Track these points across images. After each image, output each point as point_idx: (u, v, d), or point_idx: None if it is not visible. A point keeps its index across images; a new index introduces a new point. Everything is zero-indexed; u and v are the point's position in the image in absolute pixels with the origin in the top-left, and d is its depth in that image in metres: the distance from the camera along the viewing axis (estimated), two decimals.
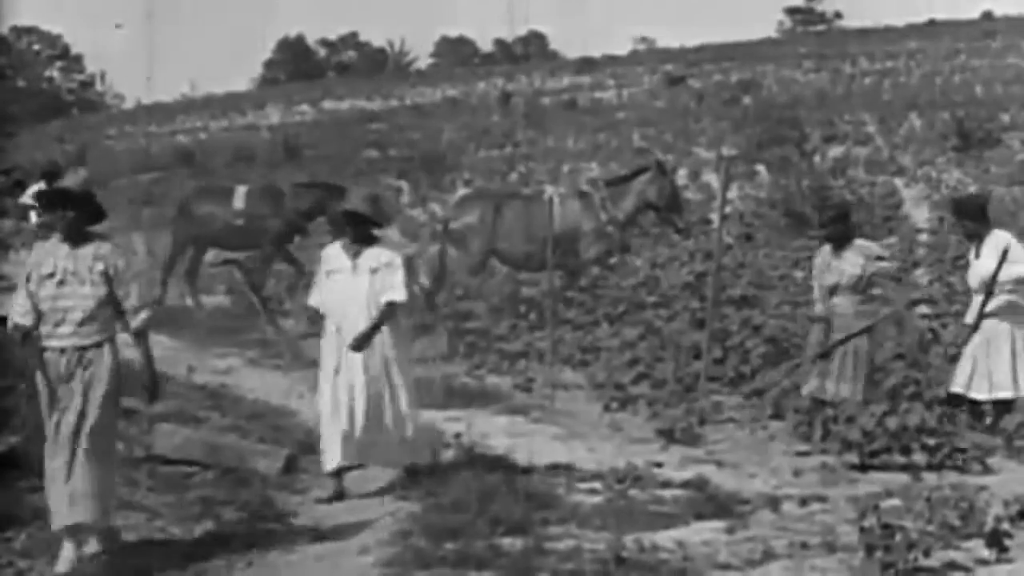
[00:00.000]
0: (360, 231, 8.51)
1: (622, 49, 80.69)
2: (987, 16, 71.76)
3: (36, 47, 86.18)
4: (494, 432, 10.03)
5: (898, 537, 6.60)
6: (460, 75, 67.14)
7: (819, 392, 9.78)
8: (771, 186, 24.08)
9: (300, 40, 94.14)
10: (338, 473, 8.46)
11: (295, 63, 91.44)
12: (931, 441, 9.00)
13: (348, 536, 7.62)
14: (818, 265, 10.03)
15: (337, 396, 8.37)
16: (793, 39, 76.82)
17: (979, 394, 9.67)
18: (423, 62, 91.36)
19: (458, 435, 9.37)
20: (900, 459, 8.99)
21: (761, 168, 27.78)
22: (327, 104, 59.87)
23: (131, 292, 6.98)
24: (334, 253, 8.59)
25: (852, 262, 9.82)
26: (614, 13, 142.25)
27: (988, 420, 9.67)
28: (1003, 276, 9.53)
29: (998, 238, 9.74)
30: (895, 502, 7.67)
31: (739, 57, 57.82)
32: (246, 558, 7.22)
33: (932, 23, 71.03)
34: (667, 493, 8.32)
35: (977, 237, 9.84)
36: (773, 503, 8.14)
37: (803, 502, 8.15)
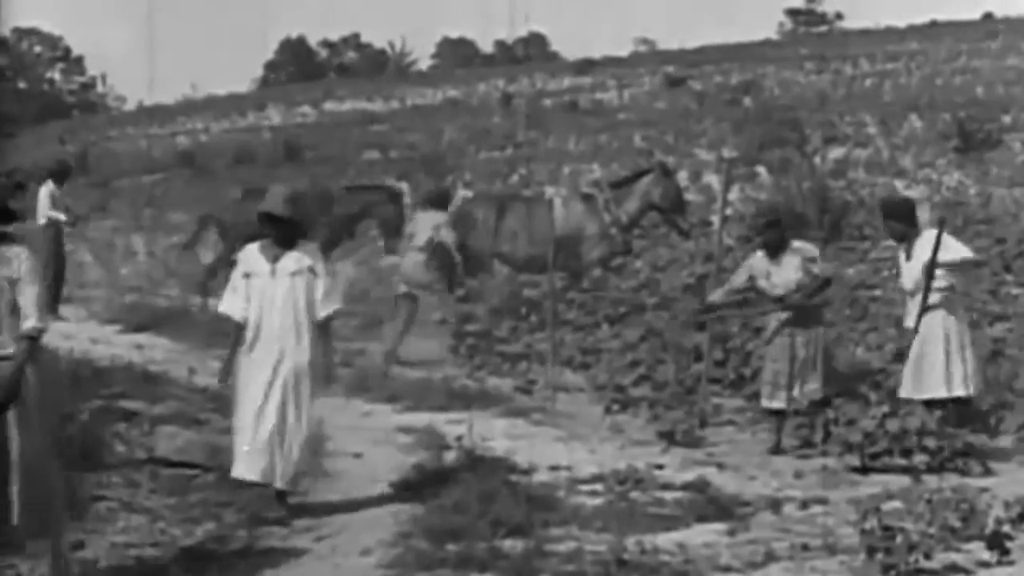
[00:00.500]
0: (280, 233, 8.04)
1: (623, 50, 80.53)
2: (988, 17, 71.74)
3: (37, 49, 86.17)
4: (495, 434, 10.03)
5: (899, 539, 6.61)
6: (461, 76, 67.07)
7: (789, 402, 9.77)
8: (772, 188, 24.05)
9: (301, 41, 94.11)
10: (279, 495, 8.02)
11: (296, 64, 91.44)
12: (932, 443, 8.99)
13: (349, 537, 7.63)
14: (754, 268, 10.01)
15: (252, 407, 7.98)
16: (794, 40, 76.73)
17: (914, 394, 9.44)
18: (424, 63, 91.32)
19: (459, 437, 9.36)
20: (901, 461, 8.99)
21: (762, 170, 27.76)
22: (328, 105, 59.83)
23: (28, 295, 6.57)
24: (252, 256, 8.13)
25: (792, 265, 9.85)
26: (615, 14, 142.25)
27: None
28: (941, 259, 9.27)
29: (930, 238, 9.46)
30: (896, 504, 7.69)
31: (740, 58, 57.73)
32: (247, 559, 7.23)
33: (933, 24, 70.94)
34: (668, 495, 8.33)
35: (905, 239, 9.64)
36: (774, 505, 8.16)
37: (804, 504, 8.17)
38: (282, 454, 7.93)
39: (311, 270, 8.02)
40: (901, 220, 9.70)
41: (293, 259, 8.03)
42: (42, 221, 16.86)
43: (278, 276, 7.99)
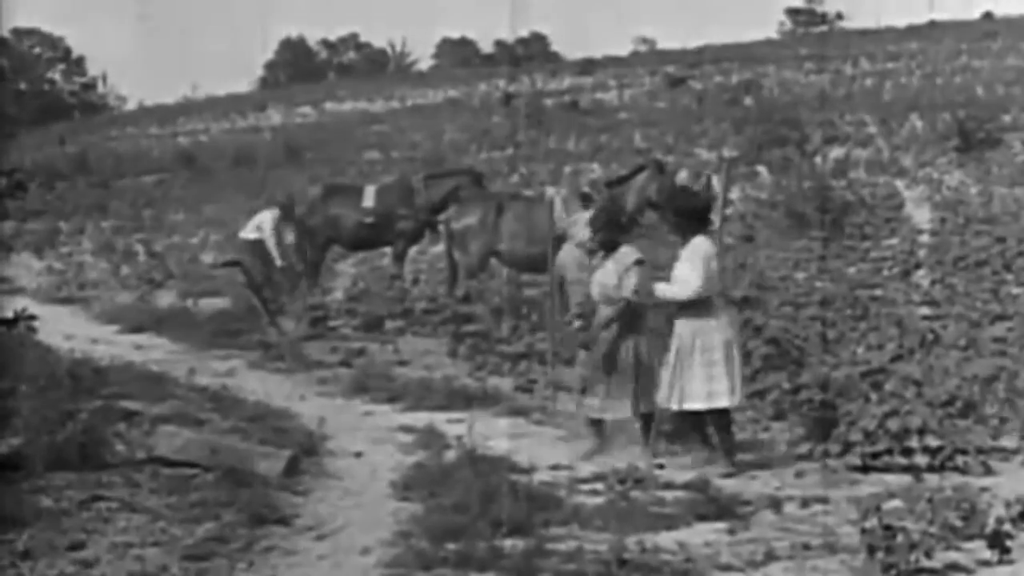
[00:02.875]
0: None
1: (623, 50, 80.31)
2: (988, 17, 71.67)
3: (37, 49, 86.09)
4: (495, 433, 10.02)
5: (900, 538, 6.61)
6: (461, 76, 67.00)
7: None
8: (772, 187, 24.06)
9: (301, 41, 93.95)
10: None
11: (296, 64, 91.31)
12: (933, 442, 8.99)
13: (349, 537, 7.62)
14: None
15: None
16: (794, 40, 76.58)
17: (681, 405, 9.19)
18: (424, 63, 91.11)
19: (459, 436, 9.37)
20: (902, 460, 8.98)
21: (762, 169, 27.75)
22: (328, 105, 59.79)
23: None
24: None
25: (612, 270, 9.54)
26: (615, 14, 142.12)
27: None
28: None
29: (698, 244, 9.11)
30: (897, 503, 7.68)
31: (740, 58, 57.65)
32: (247, 559, 7.22)
33: (933, 24, 70.83)
34: (669, 494, 8.33)
35: (683, 238, 9.19)
36: (775, 504, 8.16)
37: (805, 503, 8.17)
38: None
39: None
40: (692, 219, 9.19)
41: None
42: (251, 236, 15.97)
43: None
